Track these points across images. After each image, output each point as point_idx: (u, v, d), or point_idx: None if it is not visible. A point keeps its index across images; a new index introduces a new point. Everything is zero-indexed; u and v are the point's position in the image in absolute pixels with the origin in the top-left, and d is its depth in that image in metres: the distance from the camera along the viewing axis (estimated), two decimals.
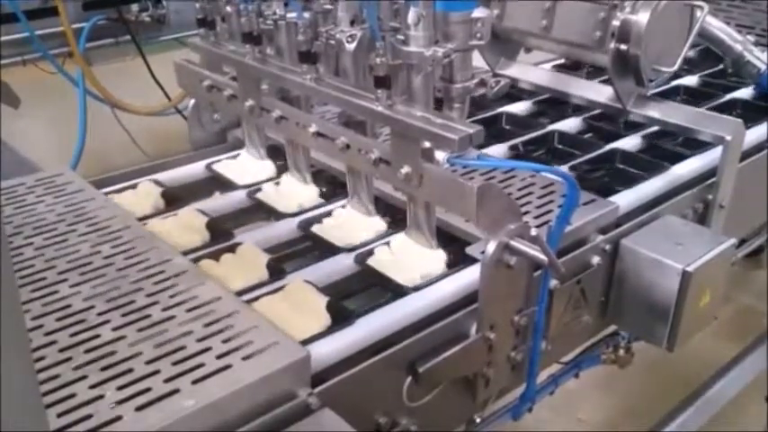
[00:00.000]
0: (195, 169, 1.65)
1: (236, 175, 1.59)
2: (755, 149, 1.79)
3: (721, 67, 2.26)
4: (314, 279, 1.21)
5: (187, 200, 1.48)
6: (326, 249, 1.33)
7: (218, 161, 1.66)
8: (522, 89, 2.02)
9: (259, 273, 1.23)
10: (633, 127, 1.83)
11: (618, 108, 1.73)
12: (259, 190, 1.53)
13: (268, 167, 1.62)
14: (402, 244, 1.32)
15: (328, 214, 1.43)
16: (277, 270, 1.24)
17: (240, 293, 1.16)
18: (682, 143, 1.80)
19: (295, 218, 1.42)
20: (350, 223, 1.40)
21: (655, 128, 1.80)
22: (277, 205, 1.46)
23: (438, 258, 1.28)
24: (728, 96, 2.04)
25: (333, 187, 1.56)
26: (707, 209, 1.63)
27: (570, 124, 1.87)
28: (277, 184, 1.55)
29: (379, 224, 1.40)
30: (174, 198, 1.49)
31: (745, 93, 2.07)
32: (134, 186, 1.54)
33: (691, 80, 2.18)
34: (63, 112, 2.83)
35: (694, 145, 1.73)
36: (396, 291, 1.21)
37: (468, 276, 1.23)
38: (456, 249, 1.31)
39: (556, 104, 1.99)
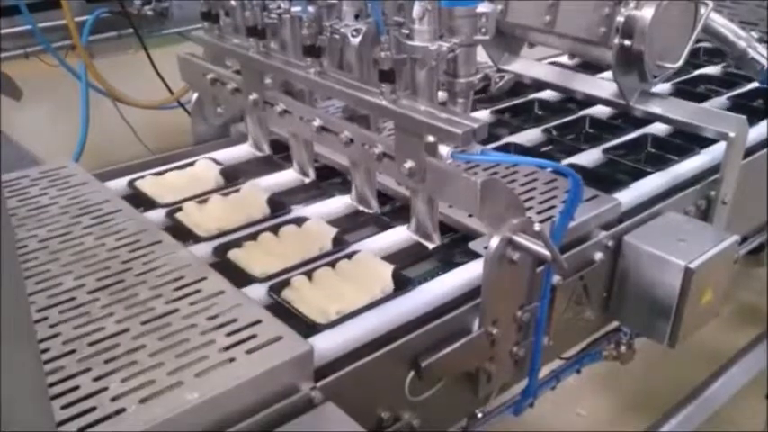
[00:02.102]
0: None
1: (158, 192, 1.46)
2: (758, 147, 1.78)
3: (695, 74, 2.19)
4: None
5: None
6: (241, 278, 1.20)
7: (142, 177, 1.52)
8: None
9: None
10: (594, 140, 1.78)
11: (621, 104, 1.73)
12: (179, 209, 1.39)
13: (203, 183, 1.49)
14: (327, 275, 1.21)
15: (252, 237, 1.30)
16: None
17: None
18: (644, 159, 1.73)
19: (212, 241, 1.29)
20: (283, 245, 1.29)
21: (615, 141, 1.74)
22: (196, 227, 1.33)
23: (361, 293, 1.16)
24: (701, 106, 1.98)
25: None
26: (710, 205, 1.62)
27: (529, 136, 1.77)
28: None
29: (326, 239, 1.29)
30: None
31: (718, 102, 2.03)
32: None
33: (663, 88, 2.11)
34: (65, 106, 2.83)
35: (655, 161, 1.68)
36: (309, 326, 1.09)
37: (471, 271, 1.23)
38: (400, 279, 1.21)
39: (517, 114, 1.93)
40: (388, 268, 1.21)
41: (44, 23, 2.42)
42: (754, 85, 2.07)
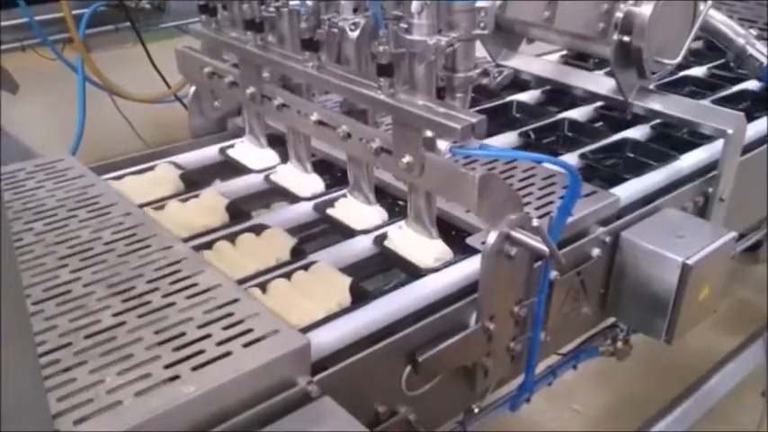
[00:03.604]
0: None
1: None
2: (756, 144, 1.79)
3: (680, 75, 2.13)
4: None
5: None
6: None
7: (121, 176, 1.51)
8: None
9: None
10: (573, 143, 1.73)
11: (620, 100, 1.73)
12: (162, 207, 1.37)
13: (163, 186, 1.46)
14: (282, 287, 1.17)
15: (208, 245, 1.26)
16: None
17: None
18: (622, 164, 1.68)
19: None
20: (239, 254, 1.26)
21: (594, 146, 1.68)
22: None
23: (316, 306, 1.13)
24: (700, 102, 1.90)
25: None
26: (707, 202, 1.63)
27: (505, 140, 1.71)
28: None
29: (284, 250, 1.25)
30: None
31: None
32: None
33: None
34: (62, 99, 2.82)
35: (633, 167, 1.62)
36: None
37: (469, 267, 1.23)
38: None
39: (493, 116, 1.80)
40: (346, 280, 1.17)
41: (41, 16, 2.41)
42: (740, 87, 2.06)
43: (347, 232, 1.35)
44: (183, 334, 1.00)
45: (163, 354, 0.96)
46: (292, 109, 1.38)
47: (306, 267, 1.21)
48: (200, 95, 1.68)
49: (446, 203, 1.34)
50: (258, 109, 1.51)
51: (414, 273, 1.24)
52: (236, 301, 1.07)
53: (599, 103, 1.89)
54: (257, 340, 0.99)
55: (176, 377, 0.92)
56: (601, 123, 1.87)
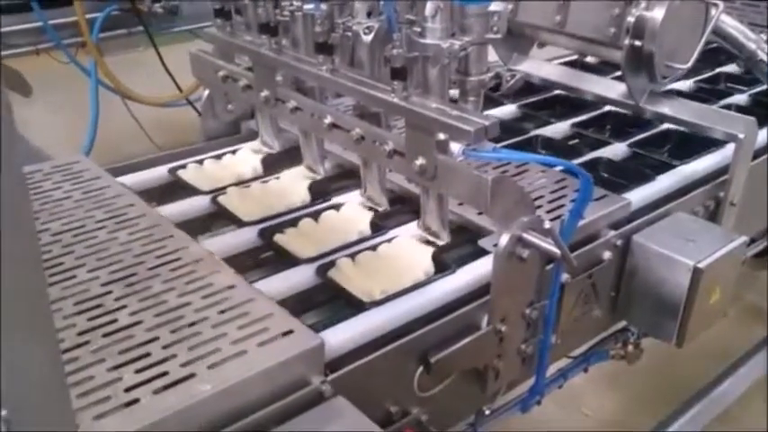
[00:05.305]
0: None
1: None
2: (765, 149, 1.78)
3: (666, 89, 2.12)
4: None
5: None
6: None
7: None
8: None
9: None
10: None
11: (630, 104, 1.74)
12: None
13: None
14: None
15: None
16: None
17: None
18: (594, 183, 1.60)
19: None
20: None
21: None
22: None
23: None
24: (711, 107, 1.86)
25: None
26: (718, 206, 1.63)
27: None
28: None
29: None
30: None
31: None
32: None
33: None
34: (74, 102, 2.84)
35: (604, 188, 1.52)
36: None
37: (481, 268, 1.23)
38: None
39: None
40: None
41: (55, 20, 2.44)
42: (727, 101, 2.06)
43: (291, 261, 1.26)
44: (198, 333, 1.01)
45: (179, 352, 0.97)
46: (306, 112, 1.39)
47: None
48: (213, 98, 1.69)
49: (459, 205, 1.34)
50: (272, 112, 1.52)
51: (357, 305, 1.16)
52: (250, 300, 1.08)
53: (574, 120, 1.89)
54: (272, 340, 1.00)
55: (193, 375, 0.94)
56: (577, 140, 1.84)
